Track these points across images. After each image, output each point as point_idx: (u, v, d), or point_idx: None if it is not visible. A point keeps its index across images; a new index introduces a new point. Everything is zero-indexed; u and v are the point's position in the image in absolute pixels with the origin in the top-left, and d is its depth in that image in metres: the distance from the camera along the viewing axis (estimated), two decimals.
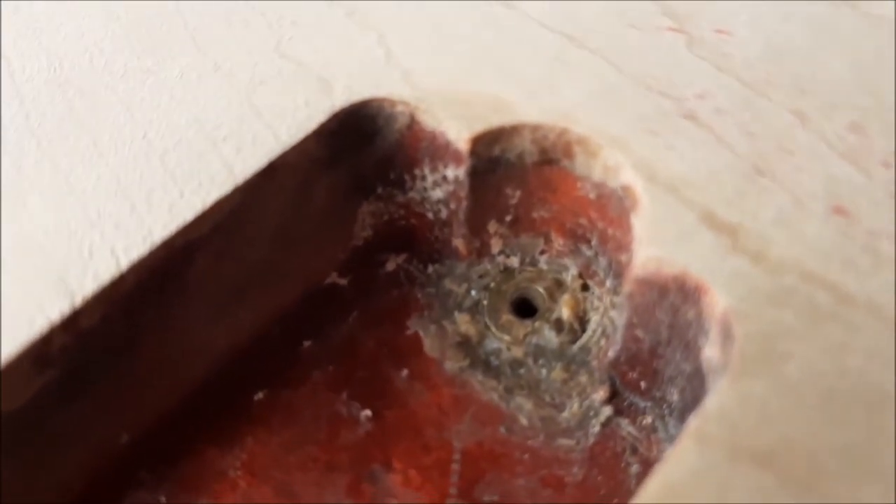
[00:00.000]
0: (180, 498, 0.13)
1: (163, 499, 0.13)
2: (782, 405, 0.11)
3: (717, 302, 0.11)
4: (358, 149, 0.14)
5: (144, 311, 0.12)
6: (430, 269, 0.15)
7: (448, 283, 0.15)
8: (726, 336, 0.11)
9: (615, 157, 0.13)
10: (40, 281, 0.12)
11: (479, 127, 0.13)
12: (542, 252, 0.14)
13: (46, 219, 0.12)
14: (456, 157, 0.13)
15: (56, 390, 0.12)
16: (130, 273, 0.12)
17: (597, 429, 0.13)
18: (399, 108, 0.13)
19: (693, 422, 0.11)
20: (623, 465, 0.13)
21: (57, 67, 0.14)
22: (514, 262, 0.15)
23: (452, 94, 0.13)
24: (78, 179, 0.12)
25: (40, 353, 0.11)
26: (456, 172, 0.13)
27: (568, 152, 0.13)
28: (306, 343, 0.14)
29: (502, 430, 0.14)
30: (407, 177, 0.14)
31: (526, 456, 0.13)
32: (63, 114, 0.13)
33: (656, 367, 0.13)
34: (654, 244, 0.12)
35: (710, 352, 0.12)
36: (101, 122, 0.13)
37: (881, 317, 0.11)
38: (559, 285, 0.14)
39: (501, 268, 0.15)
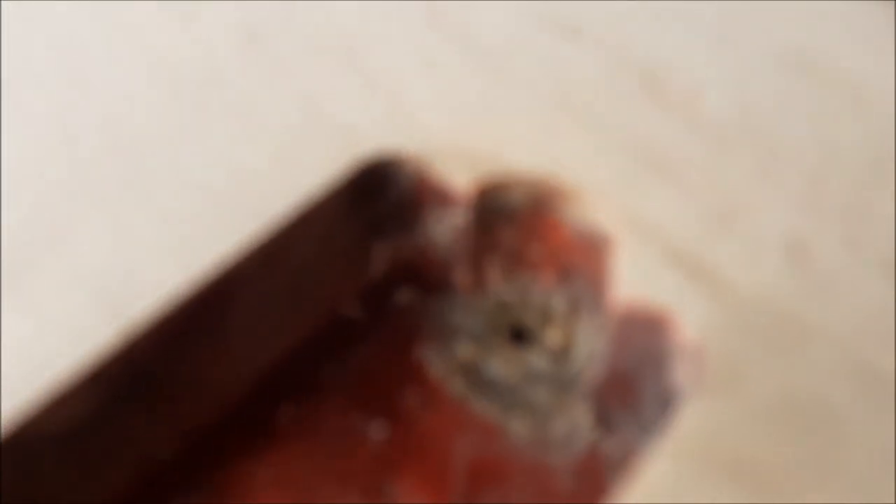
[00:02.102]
0: (212, 503, 0.14)
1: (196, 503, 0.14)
2: (746, 423, 0.12)
3: (687, 332, 0.13)
4: (375, 196, 0.15)
5: (188, 338, 0.14)
6: (436, 301, 0.16)
7: (451, 314, 0.16)
8: (695, 362, 0.13)
9: (597, 205, 0.14)
10: (97, 311, 0.13)
11: (481, 177, 0.15)
12: (535, 286, 0.16)
13: (103, 255, 0.14)
14: (460, 203, 0.15)
15: (106, 409, 0.13)
16: (177, 304, 0.13)
17: (582, 445, 0.15)
18: (411, 160, 0.15)
19: (665, 439, 0.12)
20: (606, 478, 0.15)
21: (112, 123, 0.16)
22: (510, 295, 0.16)
23: (459, 148, 0.15)
24: (130, 222, 0.14)
25: (96, 376, 0.13)
26: (459, 216, 0.15)
27: (557, 200, 0.15)
28: (326, 367, 0.16)
29: (499, 446, 0.15)
30: (417, 221, 0.15)
31: (520, 471, 0.15)
32: (114, 164, 0.15)
33: (635, 390, 0.14)
34: (632, 280, 0.14)
35: (681, 376, 0.13)
36: (149, 171, 0.15)
37: (835, 344, 0.13)
38: (549, 316, 0.16)
39: (498, 300, 0.16)
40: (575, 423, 0.15)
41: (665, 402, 0.13)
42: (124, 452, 0.14)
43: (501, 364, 0.16)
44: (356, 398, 0.15)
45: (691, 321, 0.13)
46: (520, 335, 0.16)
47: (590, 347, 0.15)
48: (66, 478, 0.13)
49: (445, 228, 0.16)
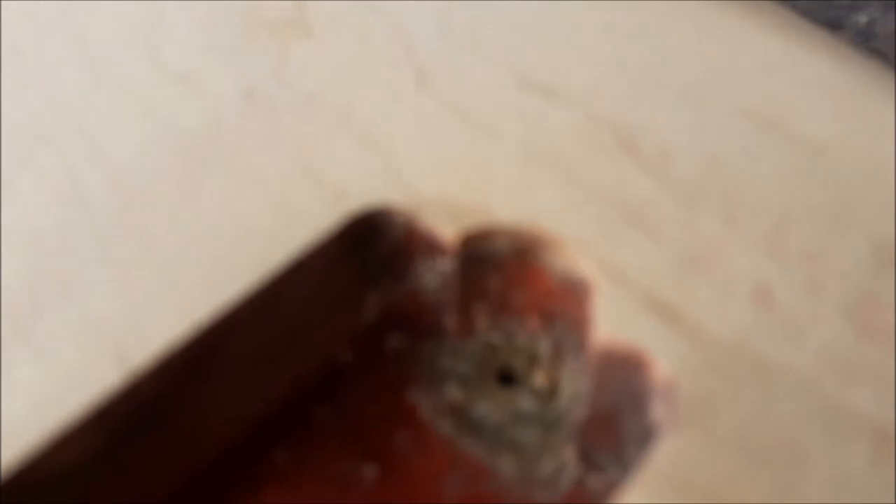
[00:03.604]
0: None
1: None
2: (716, 458, 0.13)
3: (662, 372, 0.14)
4: (367, 247, 0.16)
5: (187, 381, 0.14)
6: (426, 346, 0.17)
7: (440, 358, 0.17)
8: (670, 400, 0.14)
9: (577, 254, 0.15)
10: (102, 357, 0.14)
11: (467, 228, 0.15)
12: (520, 330, 0.17)
13: (108, 304, 0.15)
14: (447, 253, 0.16)
15: (107, 451, 0.14)
16: (176, 349, 0.14)
17: (568, 483, 0.15)
18: (401, 212, 0.16)
19: (641, 473, 0.13)
20: None
21: (116, 178, 0.17)
22: (497, 339, 0.17)
23: (445, 201, 0.16)
24: (135, 272, 0.15)
25: (98, 418, 0.13)
26: (447, 265, 0.16)
27: (538, 249, 0.15)
28: (319, 411, 0.16)
29: (487, 485, 0.15)
30: (407, 269, 0.16)
31: None
32: (121, 218, 0.16)
33: (616, 428, 0.15)
34: (610, 324, 0.14)
35: (658, 413, 0.14)
36: (152, 223, 0.16)
37: (799, 382, 0.14)
38: (535, 359, 0.17)
39: (486, 344, 0.17)
40: (560, 461, 0.16)
41: (644, 439, 0.14)
42: (124, 493, 0.14)
43: (489, 406, 0.16)
44: (348, 440, 0.16)
45: (665, 361, 0.14)
46: (507, 378, 0.17)
47: (574, 388, 0.16)
48: None
49: (434, 276, 0.16)
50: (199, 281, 0.15)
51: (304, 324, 0.16)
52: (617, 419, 0.15)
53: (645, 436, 0.14)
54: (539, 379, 0.16)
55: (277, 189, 0.16)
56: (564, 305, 0.16)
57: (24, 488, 0.13)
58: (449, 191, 0.16)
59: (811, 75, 0.18)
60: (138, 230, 0.16)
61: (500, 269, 0.16)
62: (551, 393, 0.16)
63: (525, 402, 0.16)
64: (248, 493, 0.15)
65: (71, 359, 0.14)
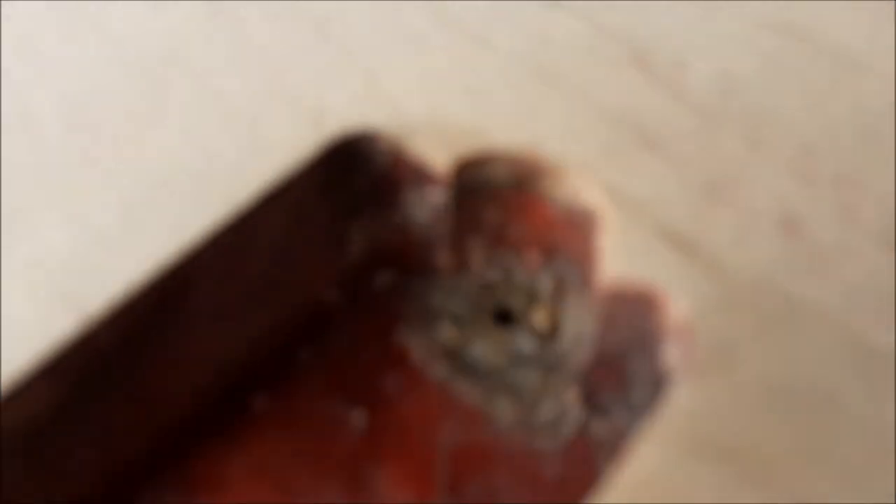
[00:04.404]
0: (186, 498, 0.14)
1: (169, 499, 0.14)
2: (738, 406, 0.12)
3: (677, 311, 0.13)
4: (349, 175, 0.15)
5: (152, 327, 0.13)
6: (417, 283, 0.16)
7: (433, 296, 0.16)
8: (686, 342, 0.13)
9: (582, 181, 0.14)
10: (54, 302, 0.13)
11: (460, 154, 0.14)
12: (519, 266, 0.16)
13: (59, 244, 0.13)
14: (439, 182, 0.14)
15: (67, 405, 0.13)
16: (139, 293, 0.13)
17: (571, 429, 0.15)
18: (386, 138, 0.14)
19: (655, 422, 0.12)
20: (595, 463, 0.14)
21: (70, 105, 0.15)
22: (494, 275, 0.16)
23: (436, 124, 0.14)
24: (89, 209, 0.14)
25: (54, 370, 0.12)
26: (439, 195, 0.15)
27: (539, 177, 0.14)
28: (304, 354, 0.15)
29: (484, 432, 0.15)
30: (394, 200, 0.15)
31: (506, 456, 0.14)
32: (73, 149, 0.14)
33: (624, 372, 0.14)
34: (619, 258, 0.13)
35: (672, 357, 0.13)
36: (109, 154, 0.14)
37: (829, 323, 0.12)
38: (535, 296, 0.16)
39: (482, 281, 0.16)
40: (563, 406, 0.15)
41: (655, 384, 0.13)
42: (88, 449, 0.13)
43: (486, 347, 0.15)
44: (335, 385, 0.15)
45: (681, 300, 0.13)
46: (504, 317, 0.16)
47: (577, 328, 0.15)
48: (27, 477, 0.13)
49: (425, 208, 0.15)
50: (161, 218, 0.13)
51: (282, 262, 0.15)
52: (625, 361, 0.14)
53: (656, 380, 0.13)
54: (539, 318, 0.15)
55: (248, 113, 0.15)
56: (567, 238, 0.15)
57: None
58: (440, 112, 0.15)
59: None
60: (93, 162, 0.14)
61: (497, 199, 0.15)
62: (552, 333, 0.15)
63: (524, 343, 0.15)
64: (225, 445, 0.14)
65: (21, 305, 0.12)
